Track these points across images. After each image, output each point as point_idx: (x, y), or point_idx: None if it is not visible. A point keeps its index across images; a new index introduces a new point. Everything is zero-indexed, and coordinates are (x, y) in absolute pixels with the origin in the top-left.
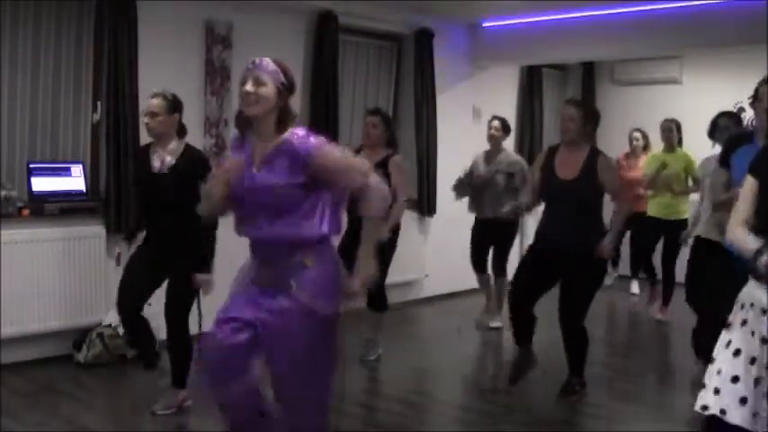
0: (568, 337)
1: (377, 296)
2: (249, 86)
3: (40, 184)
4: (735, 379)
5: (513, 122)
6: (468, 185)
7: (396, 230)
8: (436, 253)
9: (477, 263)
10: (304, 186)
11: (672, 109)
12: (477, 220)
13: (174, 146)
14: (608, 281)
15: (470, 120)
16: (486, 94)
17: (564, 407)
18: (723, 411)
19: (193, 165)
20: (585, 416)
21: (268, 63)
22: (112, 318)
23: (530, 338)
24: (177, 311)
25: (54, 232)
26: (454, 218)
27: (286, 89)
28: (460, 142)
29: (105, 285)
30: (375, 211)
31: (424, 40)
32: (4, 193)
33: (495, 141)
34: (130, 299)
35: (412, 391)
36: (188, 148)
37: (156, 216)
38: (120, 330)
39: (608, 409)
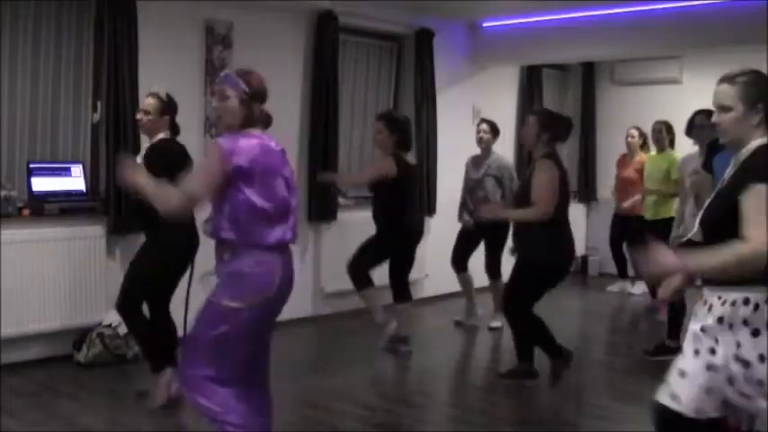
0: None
1: (403, 287)
2: (214, 102)
3: (40, 184)
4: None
5: (513, 122)
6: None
7: (408, 233)
8: (436, 253)
9: (457, 262)
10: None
11: (672, 109)
12: (465, 222)
13: (155, 143)
14: (614, 288)
15: (470, 120)
16: (486, 94)
17: (564, 407)
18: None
19: (151, 157)
20: (585, 416)
21: (231, 76)
22: (112, 318)
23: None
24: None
25: (54, 232)
26: (454, 218)
27: (250, 97)
28: (460, 142)
29: (105, 285)
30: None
31: (424, 40)
32: (4, 193)
33: (484, 144)
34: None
35: (412, 391)
36: (158, 141)
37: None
38: (121, 330)
39: (608, 409)
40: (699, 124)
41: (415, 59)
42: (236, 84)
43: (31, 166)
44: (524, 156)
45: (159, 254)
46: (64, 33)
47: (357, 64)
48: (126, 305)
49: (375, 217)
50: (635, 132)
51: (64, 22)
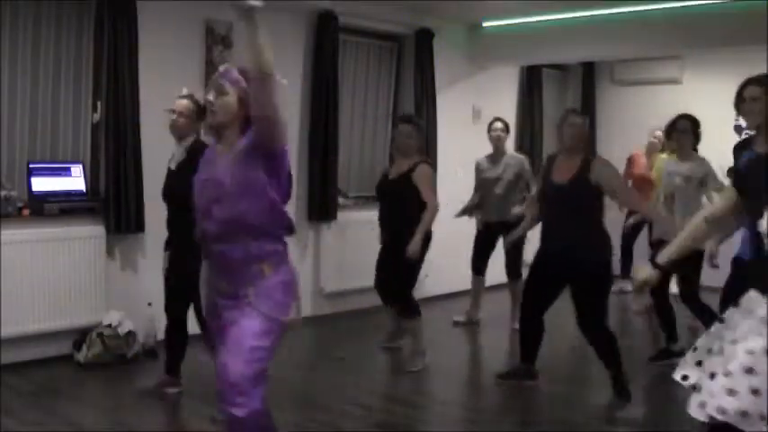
0: (593, 342)
1: (407, 303)
2: (211, 96)
3: (40, 184)
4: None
5: (513, 122)
6: (472, 208)
7: (427, 240)
8: (436, 253)
9: (479, 266)
10: (251, 162)
11: (672, 109)
12: (486, 225)
13: (188, 143)
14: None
15: (470, 120)
16: (486, 94)
17: (564, 407)
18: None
19: (192, 157)
20: (585, 416)
21: (232, 72)
22: (112, 318)
23: (534, 356)
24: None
25: (54, 232)
26: (454, 218)
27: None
28: (460, 142)
29: (105, 285)
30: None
31: (424, 40)
32: (4, 193)
33: (500, 143)
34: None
35: (412, 391)
36: (195, 141)
37: (169, 214)
38: (121, 330)
39: (608, 409)
40: (682, 129)
41: (415, 59)
42: (236, 81)
43: (31, 166)
44: (524, 155)
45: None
46: (64, 33)
47: (357, 64)
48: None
49: (395, 224)
50: (659, 133)
51: (64, 22)
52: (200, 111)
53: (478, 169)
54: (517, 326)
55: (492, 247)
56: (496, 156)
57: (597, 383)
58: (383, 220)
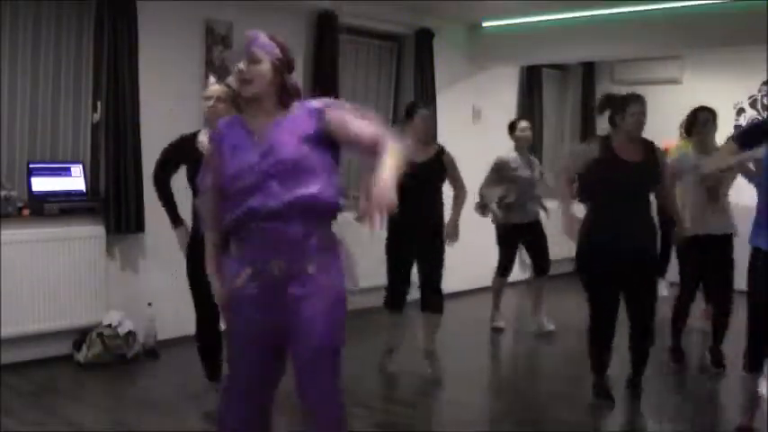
0: (648, 347)
1: (436, 294)
2: (242, 64)
3: (40, 184)
4: None
5: None
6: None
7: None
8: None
9: (509, 270)
10: (318, 144)
11: (672, 109)
12: (514, 225)
13: None
14: (664, 291)
15: (470, 120)
16: (486, 94)
17: (564, 407)
18: None
19: None
20: (585, 416)
21: (263, 38)
22: (112, 318)
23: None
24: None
25: (54, 232)
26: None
27: (283, 65)
28: (460, 142)
29: (105, 285)
30: (389, 144)
31: (424, 40)
32: (4, 193)
33: (528, 143)
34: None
35: (412, 391)
36: None
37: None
38: (121, 330)
39: (608, 409)
40: (703, 120)
41: (415, 59)
42: (270, 48)
43: (31, 166)
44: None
45: None
46: (64, 33)
47: (357, 64)
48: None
49: (429, 210)
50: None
51: (64, 22)
52: (234, 94)
53: (509, 167)
54: (551, 326)
55: (518, 246)
56: (526, 156)
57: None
58: (413, 209)
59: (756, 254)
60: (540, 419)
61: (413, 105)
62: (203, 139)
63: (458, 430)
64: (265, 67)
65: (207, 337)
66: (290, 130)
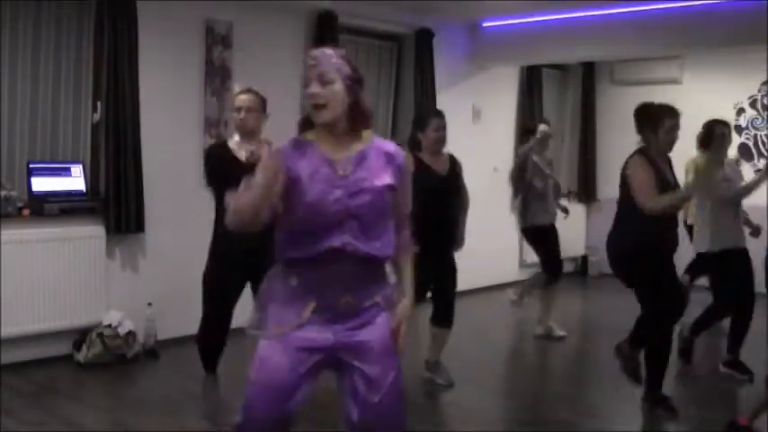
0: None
1: (449, 308)
2: (315, 87)
3: (40, 184)
4: None
5: (513, 122)
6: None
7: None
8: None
9: (560, 268)
10: (393, 194)
11: None
12: (548, 226)
13: (260, 142)
14: None
15: (470, 120)
16: (486, 94)
17: (564, 407)
18: None
19: None
20: (585, 416)
21: (331, 55)
22: (112, 318)
23: None
24: None
25: (54, 232)
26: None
27: (355, 83)
28: (460, 142)
29: (105, 285)
30: (410, 251)
31: (424, 40)
32: (4, 193)
33: (548, 143)
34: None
35: (412, 391)
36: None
37: None
38: (121, 330)
39: (608, 409)
40: (720, 133)
41: (415, 59)
42: (340, 65)
43: (30, 166)
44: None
45: None
46: (64, 33)
47: (357, 64)
48: None
49: (449, 223)
50: None
51: (64, 22)
52: (264, 103)
53: (540, 167)
54: (561, 332)
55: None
56: (545, 157)
57: (598, 384)
58: (438, 222)
59: None
60: (541, 420)
61: (427, 113)
62: (234, 146)
63: (458, 430)
64: (338, 87)
65: (211, 338)
66: (374, 172)
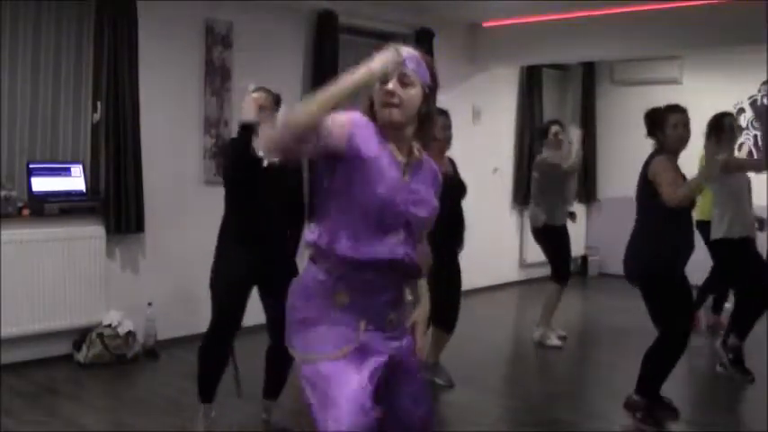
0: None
1: (453, 310)
2: (392, 85)
3: (40, 184)
4: None
5: (512, 122)
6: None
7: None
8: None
9: (569, 272)
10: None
11: None
12: (561, 227)
13: None
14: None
15: (470, 120)
16: (486, 94)
17: (564, 407)
18: None
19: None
20: (586, 416)
21: (417, 59)
22: (112, 318)
23: None
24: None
25: (54, 232)
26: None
27: (432, 93)
28: (460, 142)
29: (105, 285)
30: (429, 263)
31: (424, 40)
32: (4, 193)
33: (561, 146)
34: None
35: None
36: None
37: (259, 211)
38: (120, 330)
39: (608, 409)
40: (729, 125)
41: None
42: (423, 71)
43: (30, 166)
44: (524, 155)
45: None
46: (64, 34)
47: (357, 64)
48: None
49: (458, 229)
50: None
51: (64, 21)
52: (277, 100)
53: (554, 168)
54: (557, 342)
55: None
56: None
57: (598, 384)
58: (447, 224)
59: None
60: (541, 420)
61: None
62: (255, 146)
63: (458, 430)
64: (416, 91)
65: (218, 350)
66: (427, 187)
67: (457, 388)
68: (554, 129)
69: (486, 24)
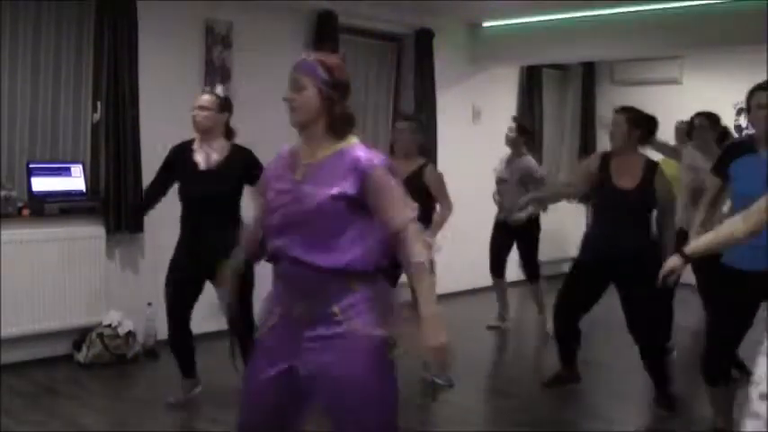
0: (645, 354)
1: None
2: (288, 93)
3: (40, 184)
4: None
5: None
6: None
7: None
8: (436, 254)
9: (496, 267)
10: (352, 204)
11: (672, 109)
12: (497, 222)
13: (221, 145)
14: None
15: (470, 120)
16: (486, 94)
17: (564, 407)
18: None
19: (245, 164)
20: (585, 416)
21: (307, 63)
22: (112, 318)
23: (574, 357)
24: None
25: (54, 232)
26: (454, 218)
27: (332, 89)
28: (460, 142)
29: (105, 285)
30: (423, 256)
31: (424, 40)
32: (4, 193)
33: (511, 145)
34: (181, 309)
35: (412, 392)
36: (237, 147)
37: (197, 213)
38: (120, 330)
39: (608, 409)
40: (699, 125)
41: (415, 59)
42: (314, 71)
43: (30, 166)
44: None
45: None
46: (64, 34)
47: (357, 64)
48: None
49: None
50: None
51: (64, 22)
52: (222, 104)
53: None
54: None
55: (509, 245)
56: (511, 157)
57: (598, 384)
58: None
59: None
60: (541, 420)
61: (395, 117)
62: (196, 146)
63: (456, 430)
64: (310, 93)
65: (174, 335)
66: (329, 179)
67: (456, 388)
68: (509, 126)
69: (486, 24)
